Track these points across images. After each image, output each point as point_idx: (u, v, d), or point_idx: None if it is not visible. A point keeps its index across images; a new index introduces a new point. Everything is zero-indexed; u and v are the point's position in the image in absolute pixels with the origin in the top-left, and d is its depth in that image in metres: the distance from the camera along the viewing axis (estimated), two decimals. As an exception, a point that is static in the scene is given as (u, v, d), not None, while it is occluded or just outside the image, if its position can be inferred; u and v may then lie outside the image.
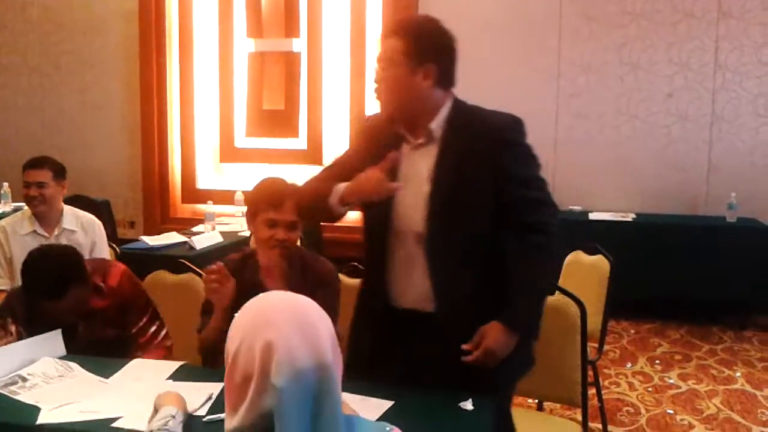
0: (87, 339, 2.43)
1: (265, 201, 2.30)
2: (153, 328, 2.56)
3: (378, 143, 2.03)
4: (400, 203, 1.99)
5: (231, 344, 1.17)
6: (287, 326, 1.14)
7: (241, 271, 2.37)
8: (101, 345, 2.41)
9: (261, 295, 1.24)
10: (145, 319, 2.54)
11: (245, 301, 2.41)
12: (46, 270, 2.30)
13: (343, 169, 2.06)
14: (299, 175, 2.81)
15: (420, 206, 1.97)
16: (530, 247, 1.94)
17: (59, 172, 3.38)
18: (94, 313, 2.44)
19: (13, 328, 2.43)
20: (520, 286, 1.95)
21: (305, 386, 1.12)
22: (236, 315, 1.22)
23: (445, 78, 1.99)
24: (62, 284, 2.27)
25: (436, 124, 1.99)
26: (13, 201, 5.25)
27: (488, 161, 1.93)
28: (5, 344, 2.28)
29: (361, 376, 1.96)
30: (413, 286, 2.02)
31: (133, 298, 2.54)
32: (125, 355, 2.38)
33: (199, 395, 1.93)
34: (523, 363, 2.10)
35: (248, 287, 2.37)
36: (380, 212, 2.01)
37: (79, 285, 2.32)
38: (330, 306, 2.24)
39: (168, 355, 2.54)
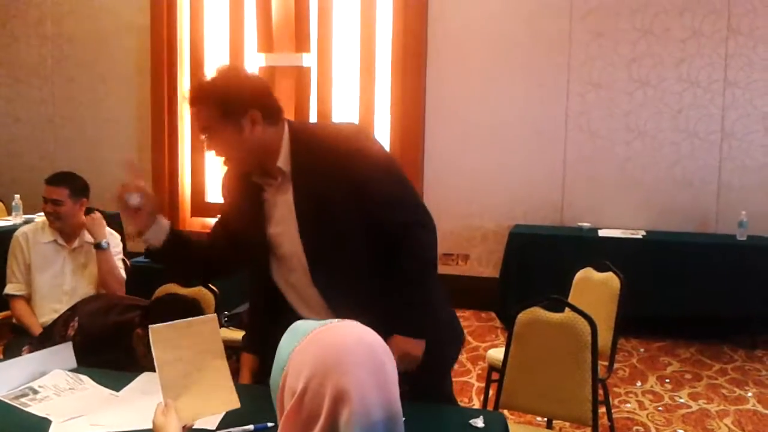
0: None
1: None
2: None
3: (243, 195, 2.08)
4: (276, 245, 2.04)
5: (295, 379, 1.11)
6: (362, 372, 1.08)
7: None
8: None
9: (322, 326, 1.16)
10: None
11: None
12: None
13: (223, 230, 2.19)
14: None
15: (297, 244, 1.99)
16: (403, 247, 1.93)
17: (78, 190, 3.36)
18: None
19: None
20: (404, 289, 1.94)
21: None
22: (298, 345, 1.14)
23: (271, 114, 1.96)
24: None
25: (283, 161, 1.98)
26: (25, 213, 5.27)
27: (338, 177, 1.92)
28: None
29: None
30: (316, 314, 2.01)
31: None
32: None
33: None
34: (446, 346, 2.14)
35: None
36: (260, 254, 2.06)
37: None
38: None
39: None
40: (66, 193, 3.32)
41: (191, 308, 2.46)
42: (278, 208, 2.02)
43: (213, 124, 1.92)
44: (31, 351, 2.52)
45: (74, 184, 3.36)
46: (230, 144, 1.93)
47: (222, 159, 1.99)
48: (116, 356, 2.42)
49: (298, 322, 1.21)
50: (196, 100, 1.94)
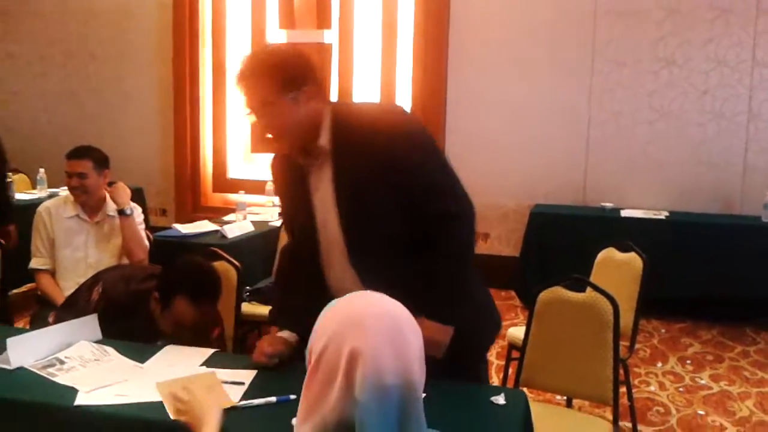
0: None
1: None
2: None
3: (288, 179, 2.07)
4: (320, 225, 2.02)
5: (317, 342, 1.12)
6: (379, 336, 1.08)
7: None
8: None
9: (354, 293, 1.19)
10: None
11: None
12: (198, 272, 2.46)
13: (289, 224, 2.21)
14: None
15: (335, 224, 1.98)
16: (438, 240, 1.91)
17: (101, 161, 3.42)
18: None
19: None
20: (435, 280, 1.92)
21: (389, 403, 1.06)
22: (324, 311, 1.17)
23: (321, 89, 1.95)
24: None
25: (324, 139, 1.95)
26: (49, 187, 5.34)
27: (378, 158, 1.88)
28: None
29: None
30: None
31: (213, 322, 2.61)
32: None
33: (232, 382, 1.96)
34: (481, 331, 2.14)
35: None
36: (307, 236, 2.04)
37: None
38: None
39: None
40: (90, 165, 3.36)
41: (205, 274, 2.48)
42: (320, 189, 2.00)
43: (271, 97, 1.87)
44: (56, 318, 2.56)
45: (96, 156, 3.41)
46: (286, 118, 1.89)
47: (272, 137, 1.94)
48: (138, 323, 2.46)
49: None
50: (254, 71, 1.88)
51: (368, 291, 1.20)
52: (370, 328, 1.09)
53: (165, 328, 2.43)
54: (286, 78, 1.87)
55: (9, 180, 4.93)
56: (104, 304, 2.51)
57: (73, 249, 3.39)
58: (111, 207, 3.47)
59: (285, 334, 2.10)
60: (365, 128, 1.92)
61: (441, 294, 1.94)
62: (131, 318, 2.48)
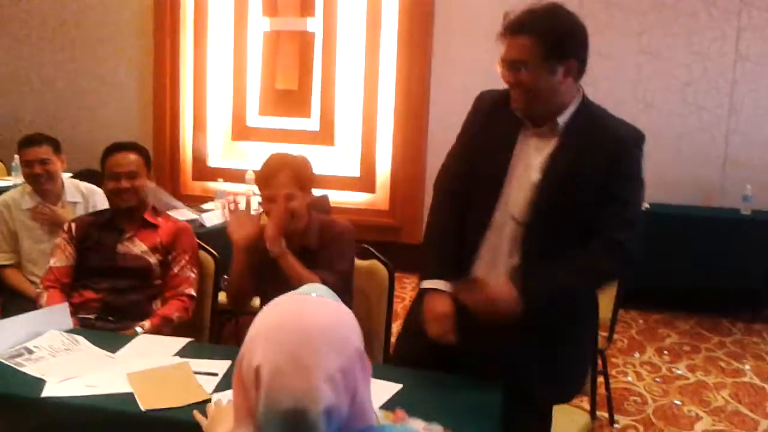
0: (126, 250, 2.67)
1: (259, 179, 2.44)
2: (192, 274, 2.73)
3: (492, 123, 2.02)
4: (507, 183, 1.96)
5: (242, 348, 1.10)
6: (282, 353, 1.02)
7: (258, 244, 2.45)
8: (129, 275, 2.63)
9: (280, 299, 1.13)
10: (187, 258, 2.74)
11: (266, 270, 2.37)
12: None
13: (465, 164, 2.08)
14: (311, 155, 2.80)
15: (525, 194, 1.94)
16: (594, 259, 1.91)
17: (57, 146, 3.37)
18: (143, 224, 2.74)
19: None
20: (558, 270, 1.89)
21: (284, 428, 1.02)
22: (257, 317, 1.13)
23: (582, 70, 1.93)
24: (135, 145, 2.80)
25: (563, 119, 1.93)
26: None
27: (602, 168, 1.89)
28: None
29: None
30: (497, 274, 1.97)
31: (183, 239, 2.78)
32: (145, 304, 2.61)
33: (205, 372, 1.93)
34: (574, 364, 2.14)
35: (265, 257, 2.42)
36: (489, 186, 1.98)
37: (144, 159, 2.76)
38: (340, 254, 2.39)
39: (185, 310, 2.64)
40: (51, 150, 3.33)
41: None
42: (530, 154, 1.95)
43: (531, 60, 1.84)
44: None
45: (53, 141, 3.38)
46: (536, 84, 1.86)
47: (518, 93, 1.91)
48: (106, 218, 2.78)
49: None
50: (524, 28, 1.85)
51: (305, 295, 1.14)
52: (276, 344, 1.04)
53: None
54: (555, 47, 1.84)
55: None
56: (77, 224, 2.75)
57: (36, 240, 3.30)
58: (70, 193, 3.41)
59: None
60: (607, 134, 1.92)
61: (549, 280, 1.89)
62: (101, 216, 2.78)
